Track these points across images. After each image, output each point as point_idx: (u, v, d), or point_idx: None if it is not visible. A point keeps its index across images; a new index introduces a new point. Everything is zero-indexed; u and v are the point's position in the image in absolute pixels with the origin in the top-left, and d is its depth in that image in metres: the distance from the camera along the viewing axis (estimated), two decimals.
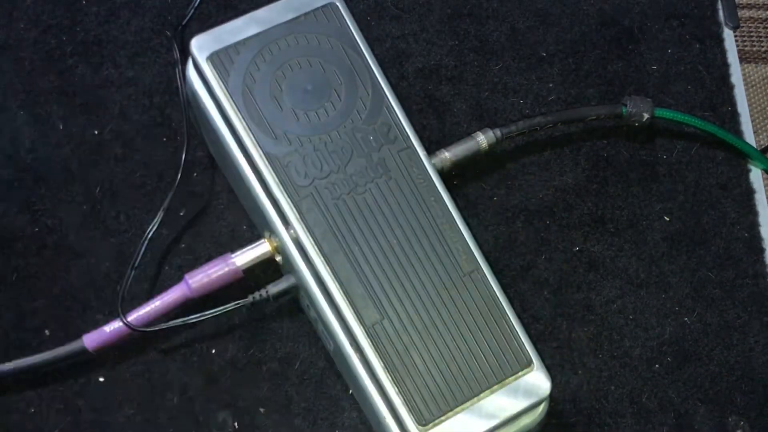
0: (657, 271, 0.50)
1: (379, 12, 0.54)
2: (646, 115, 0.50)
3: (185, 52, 0.49)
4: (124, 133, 0.50)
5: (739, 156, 0.54)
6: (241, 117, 0.36)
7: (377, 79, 0.37)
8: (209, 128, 0.39)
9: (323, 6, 0.37)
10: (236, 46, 0.36)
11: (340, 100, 0.37)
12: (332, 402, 0.45)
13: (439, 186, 0.40)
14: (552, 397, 0.39)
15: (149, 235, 0.44)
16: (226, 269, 0.41)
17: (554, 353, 0.48)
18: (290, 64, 0.37)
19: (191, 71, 0.38)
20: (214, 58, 0.36)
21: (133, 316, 0.42)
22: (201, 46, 0.36)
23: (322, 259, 0.36)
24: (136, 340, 0.45)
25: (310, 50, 0.37)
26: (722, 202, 0.52)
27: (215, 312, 0.42)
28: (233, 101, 0.36)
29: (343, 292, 0.37)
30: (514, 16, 0.55)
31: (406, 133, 0.37)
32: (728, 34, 0.57)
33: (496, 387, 0.38)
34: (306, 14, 0.37)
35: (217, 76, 0.36)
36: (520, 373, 0.39)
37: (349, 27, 0.38)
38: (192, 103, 0.40)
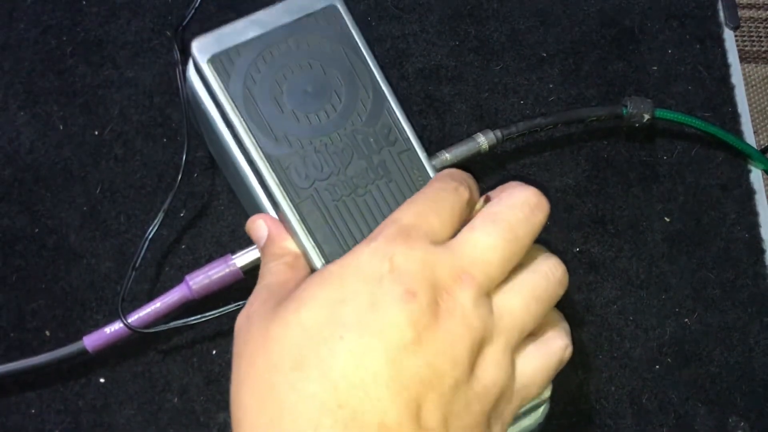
0: (657, 271, 0.50)
1: (379, 12, 0.54)
2: (646, 116, 0.50)
3: (185, 53, 0.49)
4: (124, 133, 0.50)
5: (740, 157, 0.54)
6: (241, 118, 0.36)
7: (377, 81, 0.37)
8: (210, 129, 0.39)
9: (324, 8, 0.37)
10: (237, 49, 0.36)
11: (340, 102, 0.37)
12: None
13: None
14: (552, 398, 0.39)
15: (149, 236, 0.44)
16: (227, 270, 0.41)
17: None
18: (291, 67, 0.37)
19: (191, 72, 0.38)
20: (215, 60, 0.36)
21: (134, 317, 0.42)
22: (202, 48, 0.36)
23: (323, 261, 0.36)
24: (136, 341, 0.45)
25: (310, 52, 0.37)
26: (722, 203, 0.52)
27: (216, 313, 0.42)
28: (234, 103, 0.36)
29: None
30: (514, 17, 0.55)
31: (407, 135, 0.37)
32: (729, 35, 0.57)
33: None
34: (307, 16, 0.37)
35: (217, 78, 0.36)
36: None
37: (349, 29, 0.37)
38: (192, 103, 0.40)
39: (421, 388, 0.28)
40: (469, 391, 0.29)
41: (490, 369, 0.30)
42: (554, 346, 0.33)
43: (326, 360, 0.28)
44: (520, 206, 0.33)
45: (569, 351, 0.34)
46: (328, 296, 0.30)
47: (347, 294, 0.29)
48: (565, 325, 0.35)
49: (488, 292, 0.31)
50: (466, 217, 0.34)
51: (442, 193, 0.33)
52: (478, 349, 0.30)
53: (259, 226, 0.37)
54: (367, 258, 0.30)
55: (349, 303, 0.29)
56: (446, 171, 0.36)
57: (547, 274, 0.33)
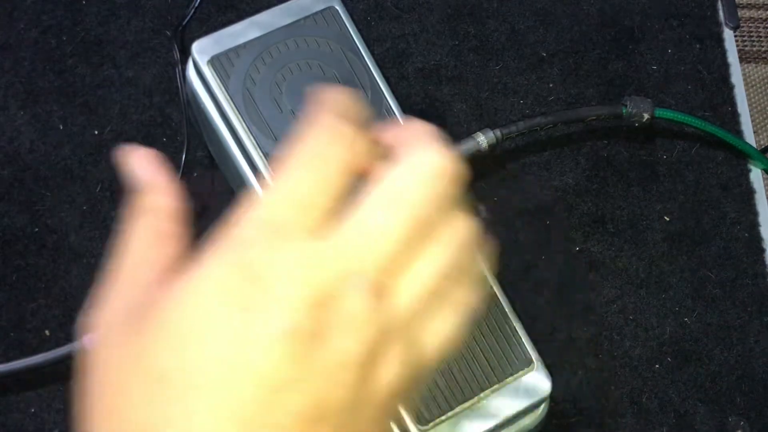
0: (657, 271, 0.50)
1: (379, 12, 0.54)
2: (646, 116, 0.50)
3: (185, 53, 0.49)
4: (124, 133, 0.50)
5: (740, 156, 0.54)
6: (241, 118, 0.36)
7: (376, 81, 0.38)
8: (209, 129, 0.39)
9: (323, 10, 0.38)
10: (237, 50, 0.37)
11: None
12: None
13: None
14: (552, 397, 0.39)
15: None
16: None
17: (554, 353, 0.48)
18: (290, 67, 0.37)
19: (191, 72, 0.38)
20: (215, 62, 0.36)
21: None
22: (202, 49, 0.36)
23: None
24: None
25: (309, 53, 0.37)
26: (722, 202, 0.52)
27: None
28: (233, 103, 0.36)
29: None
30: (514, 17, 0.55)
31: None
32: (728, 34, 0.57)
33: (496, 387, 0.38)
34: (306, 18, 0.38)
35: (217, 79, 0.36)
36: (520, 373, 0.39)
37: (348, 30, 0.38)
38: (192, 103, 0.40)
39: (307, 424, 0.23)
40: (363, 401, 0.24)
41: (389, 370, 0.25)
42: (459, 306, 0.26)
43: (181, 420, 0.21)
44: (424, 179, 0.25)
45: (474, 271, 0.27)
46: (173, 330, 0.23)
47: (197, 327, 0.22)
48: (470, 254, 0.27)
49: (382, 289, 0.25)
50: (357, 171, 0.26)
51: (323, 151, 0.25)
52: (372, 357, 0.24)
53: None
54: (223, 274, 0.23)
55: (202, 339, 0.22)
56: (320, 117, 0.26)
57: (452, 243, 0.26)
